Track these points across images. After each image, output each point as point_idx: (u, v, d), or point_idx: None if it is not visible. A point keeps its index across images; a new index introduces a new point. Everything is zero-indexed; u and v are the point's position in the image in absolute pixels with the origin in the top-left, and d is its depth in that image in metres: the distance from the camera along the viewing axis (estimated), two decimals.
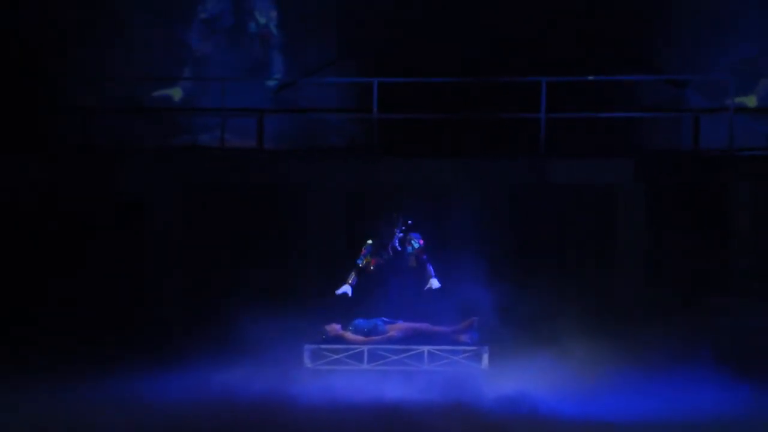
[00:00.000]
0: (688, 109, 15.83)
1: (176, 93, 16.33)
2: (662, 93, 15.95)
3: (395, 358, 11.92)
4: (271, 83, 16.29)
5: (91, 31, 16.05)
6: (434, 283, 12.29)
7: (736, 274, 14.40)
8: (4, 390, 11.51)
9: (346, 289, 12.35)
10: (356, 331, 12.14)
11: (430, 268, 12.35)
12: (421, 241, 12.40)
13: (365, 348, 11.95)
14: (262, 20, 16.40)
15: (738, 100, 15.33)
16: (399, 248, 12.35)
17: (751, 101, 15.75)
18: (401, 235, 12.42)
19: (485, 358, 11.86)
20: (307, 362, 11.92)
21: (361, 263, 12.41)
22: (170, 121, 16.11)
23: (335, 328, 12.13)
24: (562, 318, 12.71)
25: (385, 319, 12.22)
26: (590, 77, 15.37)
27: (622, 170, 14.69)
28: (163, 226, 14.82)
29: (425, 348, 11.92)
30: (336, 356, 11.96)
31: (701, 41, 15.75)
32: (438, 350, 11.91)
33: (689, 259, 14.36)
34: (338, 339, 12.07)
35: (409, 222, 12.48)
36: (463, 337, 12.07)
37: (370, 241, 12.44)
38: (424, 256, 12.37)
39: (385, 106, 15.40)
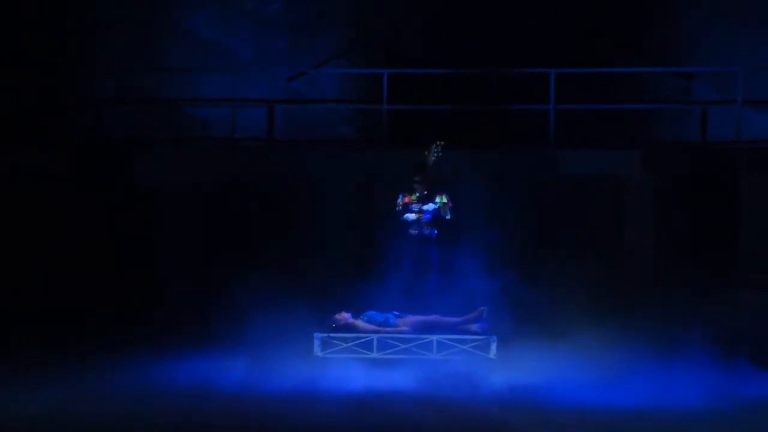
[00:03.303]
0: (696, 101, 15.85)
1: None
2: (671, 85, 15.98)
3: (404, 347, 11.99)
4: (281, 74, 16.32)
5: (105, 23, 16.11)
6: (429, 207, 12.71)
7: (745, 266, 14.42)
8: (11, 383, 11.59)
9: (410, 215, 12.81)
10: (368, 322, 12.21)
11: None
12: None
13: (375, 337, 12.02)
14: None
15: None
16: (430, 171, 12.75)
17: None
18: (437, 155, 12.71)
19: (493, 347, 11.93)
20: (317, 351, 12.00)
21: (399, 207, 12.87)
22: (181, 111, 16.15)
23: (345, 317, 12.19)
24: (571, 308, 12.76)
25: (396, 313, 12.29)
26: (599, 69, 15.40)
27: (630, 161, 14.72)
28: (175, 217, 14.89)
29: (434, 337, 11.99)
30: (345, 345, 12.04)
31: (710, 32, 15.74)
32: (447, 339, 11.98)
33: (698, 251, 14.38)
34: (348, 328, 12.15)
35: (442, 143, 12.80)
36: (473, 327, 12.14)
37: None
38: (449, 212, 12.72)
39: (394, 96, 15.45)
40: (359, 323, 12.18)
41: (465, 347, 11.95)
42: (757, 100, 15.39)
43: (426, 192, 12.85)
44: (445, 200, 12.84)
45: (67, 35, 16.05)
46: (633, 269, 14.56)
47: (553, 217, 14.46)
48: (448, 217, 12.80)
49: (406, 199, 12.88)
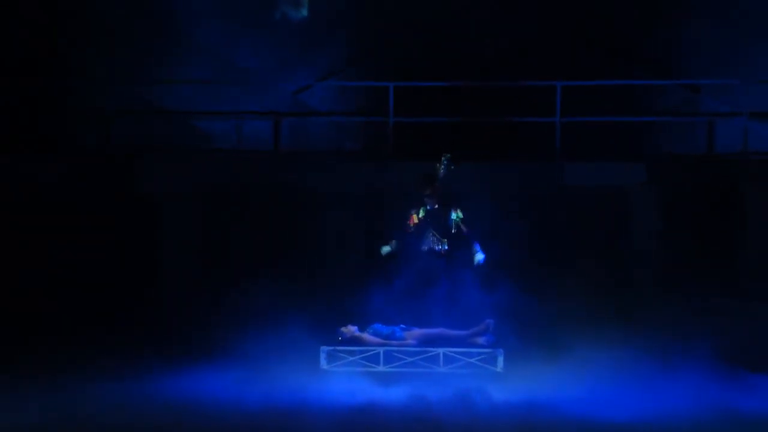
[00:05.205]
0: (702, 113, 15.88)
1: None
2: (677, 97, 16.00)
3: (411, 360, 11.98)
4: (287, 87, 16.36)
5: (111, 33, 16.17)
6: (479, 257, 12.45)
7: (750, 277, 14.43)
8: (7, 389, 11.61)
9: (388, 248, 12.58)
10: (374, 334, 12.20)
11: (476, 245, 12.51)
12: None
13: (381, 350, 12.00)
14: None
15: None
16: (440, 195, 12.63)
17: None
18: (445, 168, 12.64)
19: (500, 360, 11.91)
20: (324, 364, 11.99)
21: (406, 229, 12.66)
22: (187, 123, 16.18)
23: (352, 329, 12.17)
24: (577, 320, 12.76)
25: (403, 326, 12.27)
26: (605, 81, 15.42)
27: (636, 173, 14.74)
28: (179, 228, 14.90)
29: (441, 350, 11.97)
30: (352, 358, 12.03)
31: (717, 45, 15.77)
32: (453, 352, 11.97)
33: (703, 262, 14.38)
34: (355, 340, 12.14)
35: (449, 155, 12.70)
36: (480, 340, 12.13)
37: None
38: (467, 231, 12.57)
39: (400, 109, 15.47)
40: (366, 336, 12.16)
41: (471, 360, 11.94)
42: (763, 113, 15.42)
43: (437, 206, 12.72)
44: (461, 215, 12.73)
45: (73, 44, 16.10)
46: (639, 281, 14.56)
47: (559, 229, 14.48)
48: (465, 230, 12.70)
49: (413, 219, 12.70)
